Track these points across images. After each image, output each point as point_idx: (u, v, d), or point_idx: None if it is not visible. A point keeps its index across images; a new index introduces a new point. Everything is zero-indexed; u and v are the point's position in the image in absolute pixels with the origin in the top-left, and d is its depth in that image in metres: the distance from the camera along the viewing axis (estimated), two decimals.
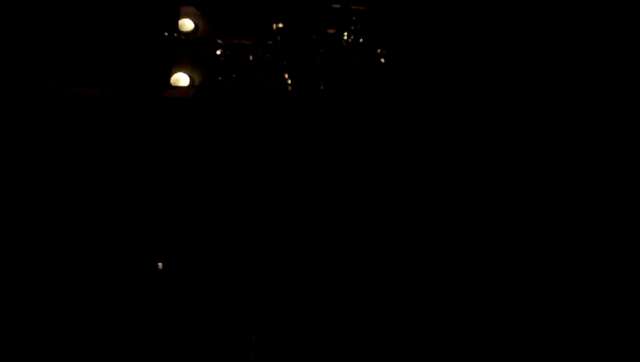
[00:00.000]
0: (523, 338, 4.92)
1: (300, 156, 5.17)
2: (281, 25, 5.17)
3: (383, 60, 5.19)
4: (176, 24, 5.28)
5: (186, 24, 5.31)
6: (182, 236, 5.17)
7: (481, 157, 5.18)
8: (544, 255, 5.02)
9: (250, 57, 5.23)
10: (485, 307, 4.99)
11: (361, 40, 5.18)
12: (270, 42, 5.20)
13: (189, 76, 5.32)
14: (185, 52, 5.29)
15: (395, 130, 5.21)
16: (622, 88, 5.10)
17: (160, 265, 5.12)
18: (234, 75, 5.20)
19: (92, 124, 5.22)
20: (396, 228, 5.13)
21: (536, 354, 4.89)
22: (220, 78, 5.22)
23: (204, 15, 5.33)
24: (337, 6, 5.20)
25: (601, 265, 4.97)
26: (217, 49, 5.23)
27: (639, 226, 4.99)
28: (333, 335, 4.96)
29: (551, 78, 5.16)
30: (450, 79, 5.24)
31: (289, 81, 5.14)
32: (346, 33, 5.18)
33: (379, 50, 5.19)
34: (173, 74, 5.32)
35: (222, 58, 5.21)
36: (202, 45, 5.27)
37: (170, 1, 5.28)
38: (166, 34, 5.20)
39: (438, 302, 5.02)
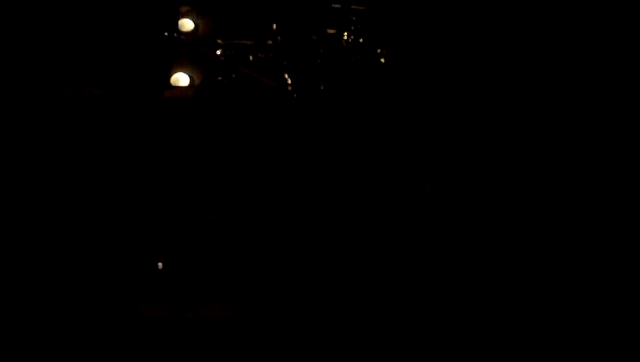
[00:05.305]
0: (523, 339, 4.92)
1: (300, 156, 5.17)
2: (281, 25, 5.17)
3: (383, 60, 5.19)
4: (177, 24, 5.29)
5: (186, 24, 5.32)
6: (182, 236, 5.17)
7: (481, 157, 5.18)
8: (544, 255, 5.02)
9: (250, 57, 5.24)
10: (485, 307, 4.99)
11: (361, 40, 5.18)
12: (270, 42, 5.21)
13: (189, 76, 5.33)
14: (185, 52, 5.29)
15: (394, 130, 5.21)
16: (622, 88, 5.10)
17: (160, 265, 5.13)
18: (234, 75, 5.21)
19: (92, 124, 5.22)
20: (395, 228, 5.13)
21: (536, 354, 4.89)
22: (220, 78, 5.22)
23: (205, 15, 5.33)
24: (337, 6, 5.21)
25: (601, 265, 4.97)
26: (217, 49, 5.23)
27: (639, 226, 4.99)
28: (332, 335, 4.97)
29: (551, 78, 5.16)
30: (450, 79, 5.24)
31: (289, 81, 5.14)
32: (346, 33, 5.18)
33: (379, 50, 5.19)
34: (173, 74, 5.33)
35: (222, 58, 5.22)
36: (202, 45, 5.28)
37: (170, 1, 5.29)
38: (166, 34, 5.20)
39: (437, 301, 5.02)
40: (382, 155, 5.18)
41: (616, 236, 4.94)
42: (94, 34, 5.23)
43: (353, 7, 5.20)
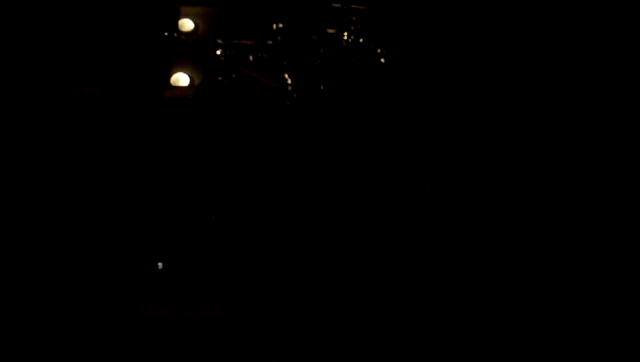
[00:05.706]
0: (523, 338, 4.92)
1: (300, 156, 5.17)
2: (281, 25, 5.17)
3: (383, 60, 5.19)
4: (177, 24, 5.29)
5: (186, 24, 5.32)
6: (182, 236, 5.17)
7: (481, 157, 5.18)
8: (544, 254, 5.02)
9: (250, 57, 5.24)
10: (485, 306, 4.99)
11: (361, 40, 5.18)
12: (270, 42, 5.21)
13: (189, 76, 5.33)
14: (185, 52, 5.30)
15: (394, 130, 5.22)
16: (622, 88, 5.10)
17: (160, 265, 5.12)
18: (234, 75, 5.21)
19: (92, 124, 5.22)
20: (395, 228, 5.13)
21: (537, 354, 4.89)
22: (220, 78, 5.23)
23: (205, 15, 5.33)
24: (337, 6, 5.21)
25: (602, 265, 4.97)
26: (217, 49, 5.23)
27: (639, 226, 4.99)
28: (333, 334, 4.97)
29: (551, 78, 5.16)
30: (450, 79, 5.24)
31: (289, 81, 5.15)
32: (346, 33, 5.19)
33: (379, 50, 5.19)
34: (173, 74, 5.33)
35: (222, 58, 5.22)
36: (202, 45, 5.28)
37: (170, 1, 5.29)
38: (166, 34, 5.21)
39: (438, 300, 5.02)
40: (382, 155, 5.18)
41: (616, 236, 4.94)
42: (94, 34, 5.23)
43: (353, 7, 5.21)
